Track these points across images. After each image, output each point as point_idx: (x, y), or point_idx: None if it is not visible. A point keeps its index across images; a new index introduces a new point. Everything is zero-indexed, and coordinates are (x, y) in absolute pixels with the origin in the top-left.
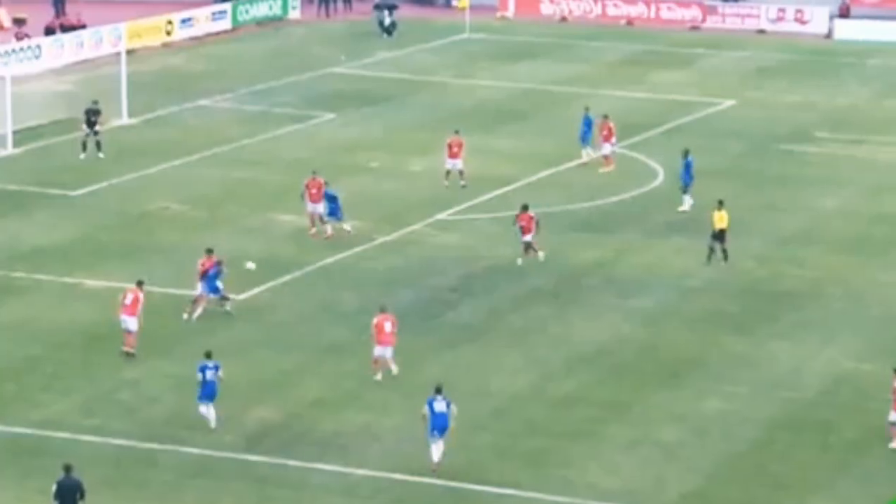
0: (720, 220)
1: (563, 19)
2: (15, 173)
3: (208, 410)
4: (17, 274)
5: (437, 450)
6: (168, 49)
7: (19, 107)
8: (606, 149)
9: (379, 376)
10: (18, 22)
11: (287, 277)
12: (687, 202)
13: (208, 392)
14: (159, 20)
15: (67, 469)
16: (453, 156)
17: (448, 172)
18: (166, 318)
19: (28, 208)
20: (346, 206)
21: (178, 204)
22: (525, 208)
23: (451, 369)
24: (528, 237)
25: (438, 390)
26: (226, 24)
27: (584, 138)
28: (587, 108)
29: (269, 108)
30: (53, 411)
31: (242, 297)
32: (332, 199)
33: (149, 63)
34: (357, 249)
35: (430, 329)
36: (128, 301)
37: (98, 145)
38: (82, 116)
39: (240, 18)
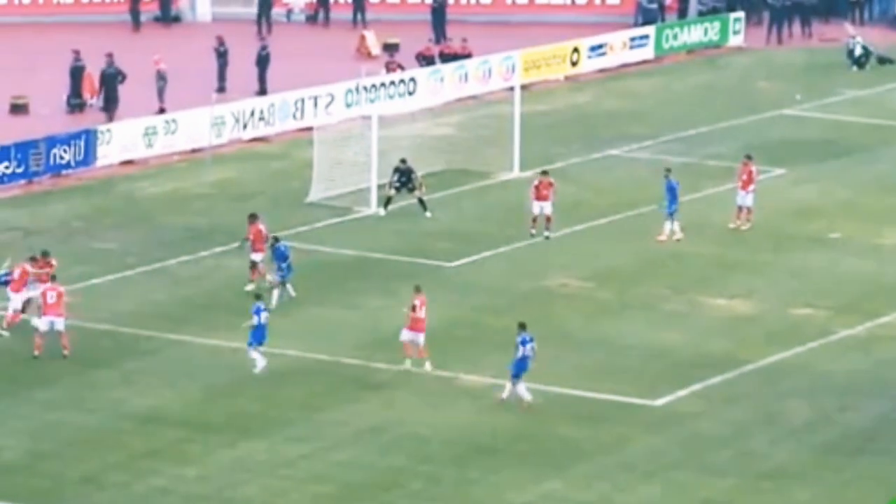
0: None
1: None
2: (380, 238)
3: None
4: (378, 365)
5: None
6: (573, 83)
7: (387, 154)
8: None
9: (408, 364)
10: (390, 48)
11: (717, 379)
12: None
13: None
14: (563, 47)
15: None
16: None
17: None
18: (560, 425)
19: (395, 282)
20: (793, 286)
21: (579, 280)
22: None
23: None
24: None
25: (523, 326)
26: (647, 52)
27: (669, 207)
28: (668, 171)
29: (699, 161)
30: None
31: (660, 402)
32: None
33: (548, 101)
34: (811, 345)
35: None
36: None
37: (422, 203)
38: (393, 177)
39: (665, 45)
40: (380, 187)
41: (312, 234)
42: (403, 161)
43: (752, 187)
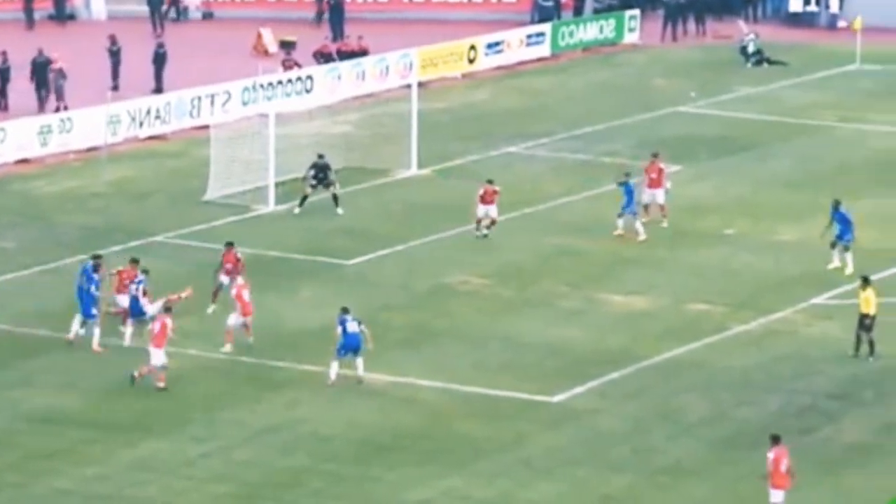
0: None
1: None
2: (278, 236)
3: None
4: (279, 364)
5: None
6: (470, 81)
7: (285, 153)
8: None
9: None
10: (286, 46)
11: (615, 375)
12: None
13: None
14: (460, 45)
15: None
16: None
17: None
18: (461, 422)
19: (293, 281)
20: (689, 283)
21: (479, 277)
22: None
23: (830, 499)
24: None
25: (346, 311)
26: (544, 49)
27: (628, 208)
28: (627, 175)
29: (595, 158)
30: None
31: (558, 398)
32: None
33: (445, 99)
34: (707, 341)
35: (803, 448)
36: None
37: (336, 199)
38: (308, 172)
39: (561, 43)
40: (279, 184)
41: (210, 232)
42: (321, 156)
43: (667, 184)
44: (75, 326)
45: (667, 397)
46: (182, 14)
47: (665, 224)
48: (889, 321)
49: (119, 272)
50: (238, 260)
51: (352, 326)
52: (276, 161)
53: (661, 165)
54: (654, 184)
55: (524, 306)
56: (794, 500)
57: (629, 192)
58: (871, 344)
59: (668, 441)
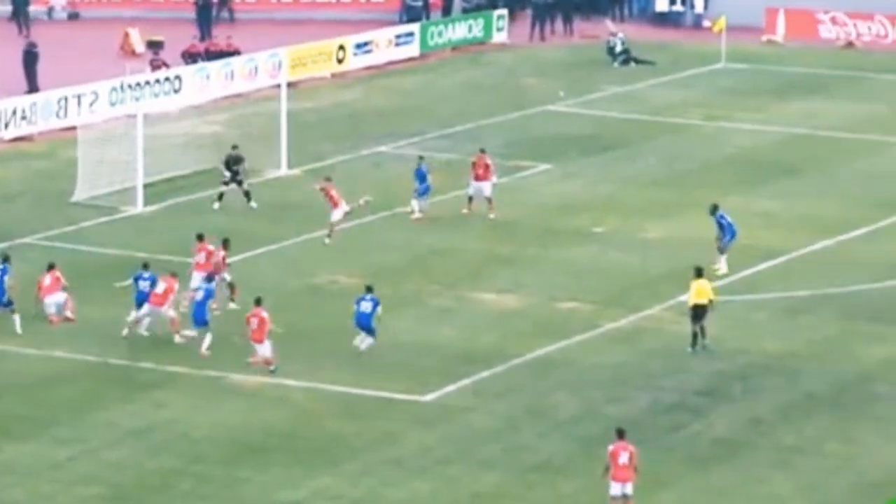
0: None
1: (850, 44)
2: (146, 237)
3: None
4: (145, 365)
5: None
6: (339, 81)
7: (154, 153)
8: (487, 189)
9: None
10: (154, 46)
11: (486, 373)
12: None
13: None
14: (329, 45)
15: None
16: None
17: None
18: (331, 421)
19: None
20: (559, 281)
21: (349, 277)
22: None
23: (699, 495)
24: None
25: (369, 289)
26: (413, 49)
27: (421, 191)
28: (421, 158)
29: (465, 157)
30: None
31: (429, 397)
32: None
33: (315, 99)
34: (577, 338)
35: (672, 444)
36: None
37: (248, 195)
38: (220, 166)
39: (430, 43)
40: (147, 185)
41: (78, 233)
42: (235, 147)
43: (494, 178)
44: None
45: (538, 395)
46: (49, 14)
47: (493, 216)
48: (755, 317)
49: None
50: (213, 251)
51: (364, 306)
52: (145, 162)
53: (488, 161)
54: (481, 177)
55: (395, 305)
56: (663, 496)
57: (421, 176)
58: (703, 329)
59: (538, 438)
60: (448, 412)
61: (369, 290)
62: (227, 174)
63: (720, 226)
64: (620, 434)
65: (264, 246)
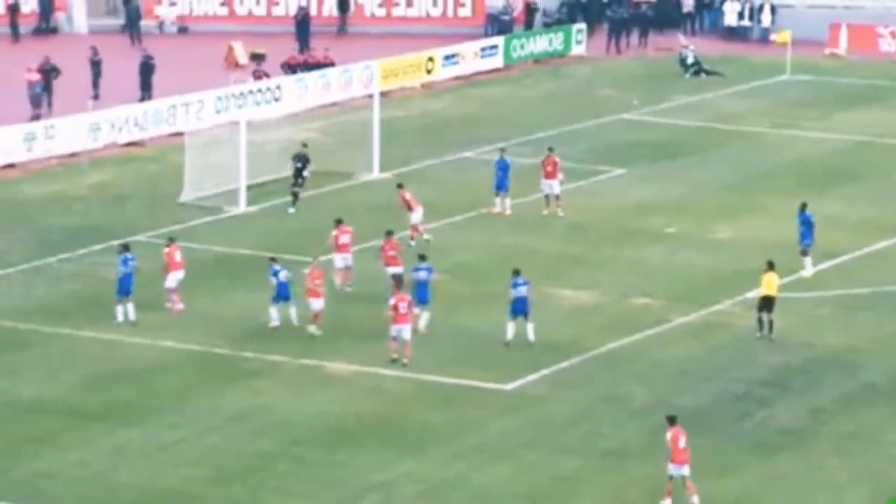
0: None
1: None
2: (248, 235)
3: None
4: (247, 354)
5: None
6: (428, 91)
7: (255, 158)
8: (556, 186)
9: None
10: (257, 58)
11: (564, 364)
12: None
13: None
14: (419, 57)
15: None
16: None
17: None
18: (420, 409)
19: (262, 276)
20: (633, 278)
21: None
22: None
23: (763, 481)
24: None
25: (423, 258)
26: (497, 61)
27: (499, 184)
28: (503, 150)
29: None
30: None
31: (511, 386)
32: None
33: (405, 107)
34: (649, 332)
35: (738, 432)
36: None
37: (295, 197)
38: (289, 163)
39: (514, 55)
40: (250, 188)
41: (185, 232)
42: (304, 145)
43: (561, 177)
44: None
45: (612, 385)
46: (160, 28)
47: (561, 213)
48: (818, 313)
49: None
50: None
51: (419, 275)
52: (247, 166)
53: (556, 159)
54: (550, 175)
55: (479, 301)
56: (729, 482)
57: (502, 167)
58: (771, 323)
59: (613, 426)
60: (528, 400)
61: (422, 258)
62: (293, 178)
63: (806, 224)
64: (672, 420)
65: (356, 245)
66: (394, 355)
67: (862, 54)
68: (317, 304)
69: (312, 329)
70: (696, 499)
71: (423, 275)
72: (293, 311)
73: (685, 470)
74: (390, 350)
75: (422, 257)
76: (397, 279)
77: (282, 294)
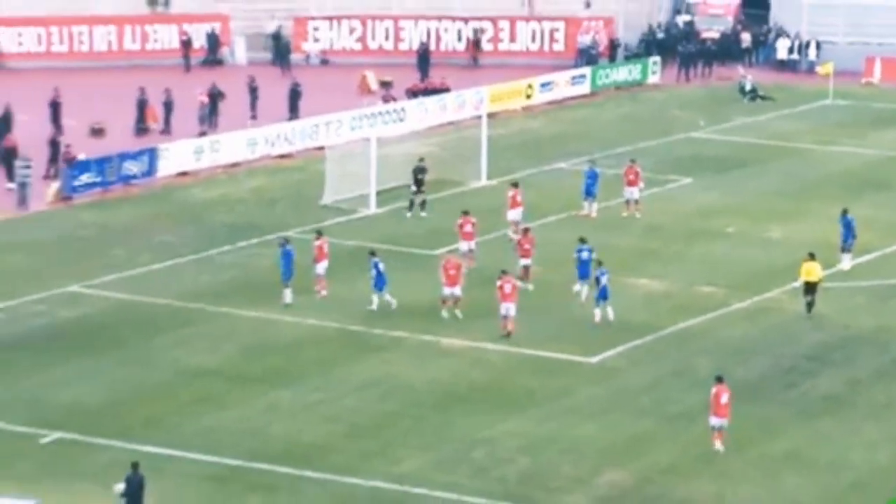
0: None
1: None
2: (376, 232)
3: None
4: (376, 331)
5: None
6: (528, 112)
7: (383, 168)
8: (635, 192)
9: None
10: (385, 85)
11: (639, 341)
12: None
13: None
14: (520, 84)
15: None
16: None
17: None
18: (520, 377)
19: (389, 267)
20: (699, 270)
21: (535, 266)
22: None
23: (808, 441)
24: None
25: (583, 240)
26: (585, 88)
27: (589, 192)
28: (592, 162)
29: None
30: (409, 467)
31: (595, 360)
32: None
33: (509, 126)
34: (712, 315)
35: (786, 400)
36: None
37: (423, 205)
38: (411, 176)
39: (599, 83)
40: (379, 193)
41: (325, 229)
42: (422, 159)
43: (641, 184)
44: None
45: (680, 360)
46: (306, 60)
47: (638, 215)
48: (854, 301)
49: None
50: (474, 224)
51: (582, 254)
52: (376, 174)
53: (638, 169)
54: (632, 183)
55: (570, 289)
56: (778, 442)
57: (591, 177)
58: (811, 304)
59: (680, 393)
60: (609, 372)
61: (583, 240)
62: (414, 186)
63: (848, 226)
64: (720, 379)
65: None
66: (503, 331)
67: (894, 83)
68: (454, 291)
69: (457, 313)
70: (720, 445)
71: (585, 254)
72: (388, 297)
73: (725, 422)
74: (500, 326)
75: (582, 240)
76: (526, 269)
77: (380, 283)
